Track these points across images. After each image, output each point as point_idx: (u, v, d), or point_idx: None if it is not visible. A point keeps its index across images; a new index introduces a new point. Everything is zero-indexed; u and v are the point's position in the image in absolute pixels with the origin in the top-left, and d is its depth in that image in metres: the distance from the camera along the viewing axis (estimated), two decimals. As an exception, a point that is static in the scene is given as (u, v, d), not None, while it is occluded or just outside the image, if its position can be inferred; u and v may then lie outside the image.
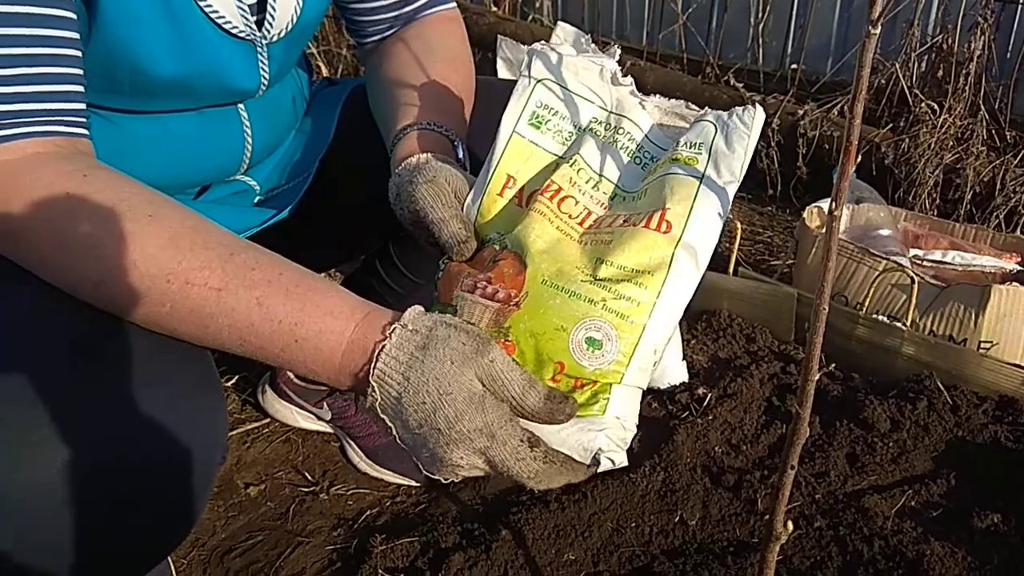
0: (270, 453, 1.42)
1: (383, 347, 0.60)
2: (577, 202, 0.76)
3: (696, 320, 1.72)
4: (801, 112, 2.34)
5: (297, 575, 1.18)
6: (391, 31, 1.04)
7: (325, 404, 1.38)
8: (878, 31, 0.57)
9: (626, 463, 0.71)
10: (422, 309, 0.64)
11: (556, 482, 0.65)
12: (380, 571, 1.16)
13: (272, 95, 0.94)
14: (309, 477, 1.36)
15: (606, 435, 0.69)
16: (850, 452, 1.37)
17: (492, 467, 0.61)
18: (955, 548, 1.19)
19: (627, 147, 0.79)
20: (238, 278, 0.61)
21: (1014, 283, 1.45)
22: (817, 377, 0.74)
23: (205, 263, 0.61)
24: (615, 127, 0.79)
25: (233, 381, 1.57)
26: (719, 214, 0.73)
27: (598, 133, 0.78)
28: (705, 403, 1.50)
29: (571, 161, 0.76)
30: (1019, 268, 1.61)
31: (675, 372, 1.58)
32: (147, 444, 0.63)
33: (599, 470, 0.69)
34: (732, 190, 0.74)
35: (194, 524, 0.71)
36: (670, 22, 2.89)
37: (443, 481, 0.64)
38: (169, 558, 1.18)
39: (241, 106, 0.90)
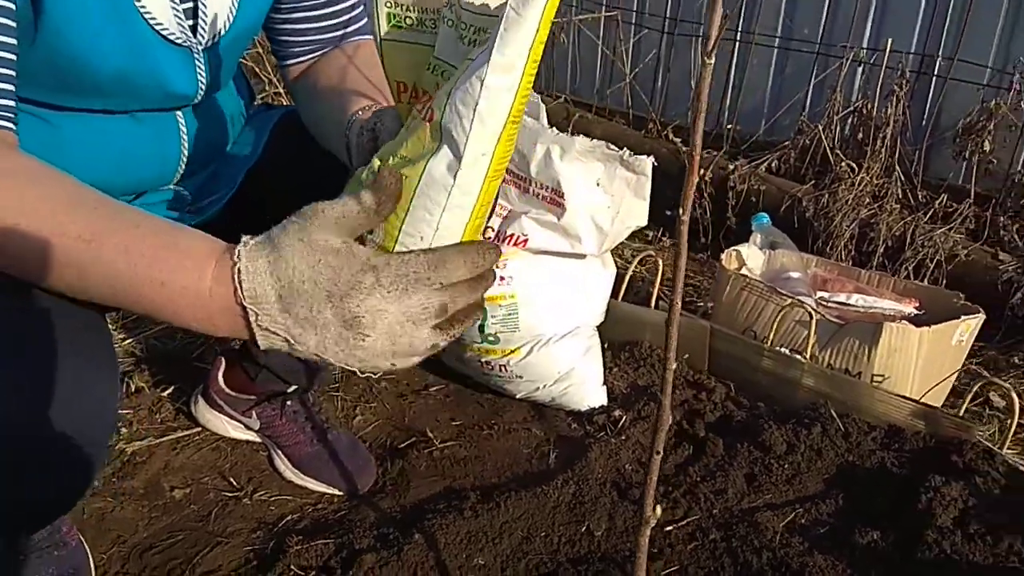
0: (198, 459, 1.46)
1: (238, 268, 0.62)
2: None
3: (620, 350, 1.82)
4: (732, 167, 2.50)
5: (213, 571, 1.22)
6: (321, 51, 1.10)
7: (254, 413, 1.44)
8: (712, 61, 0.67)
9: None
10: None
11: (456, 274, 0.65)
12: (294, 568, 1.21)
13: (210, 107, 1.02)
14: (234, 483, 1.41)
15: None
16: (748, 472, 1.46)
17: (387, 295, 0.62)
18: (837, 561, 1.27)
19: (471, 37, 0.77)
20: (106, 228, 0.65)
21: (904, 321, 1.58)
22: (675, 368, 0.84)
23: (77, 217, 0.65)
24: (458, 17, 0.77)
25: (168, 392, 1.62)
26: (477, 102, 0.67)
27: (449, 21, 0.78)
28: (620, 424, 1.59)
29: (431, 67, 0.79)
30: (916, 312, 1.75)
31: (595, 396, 1.68)
32: (34, 411, 0.66)
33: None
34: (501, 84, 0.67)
35: (85, 491, 0.76)
36: (618, 80, 3.07)
37: (369, 374, 0.66)
38: (89, 553, 1.22)
39: (179, 114, 0.99)
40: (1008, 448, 1.53)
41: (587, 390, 1.66)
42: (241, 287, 0.62)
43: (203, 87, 0.97)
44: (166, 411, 1.58)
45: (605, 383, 1.70)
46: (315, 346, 0.63)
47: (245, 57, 2.52)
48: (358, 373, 0.67)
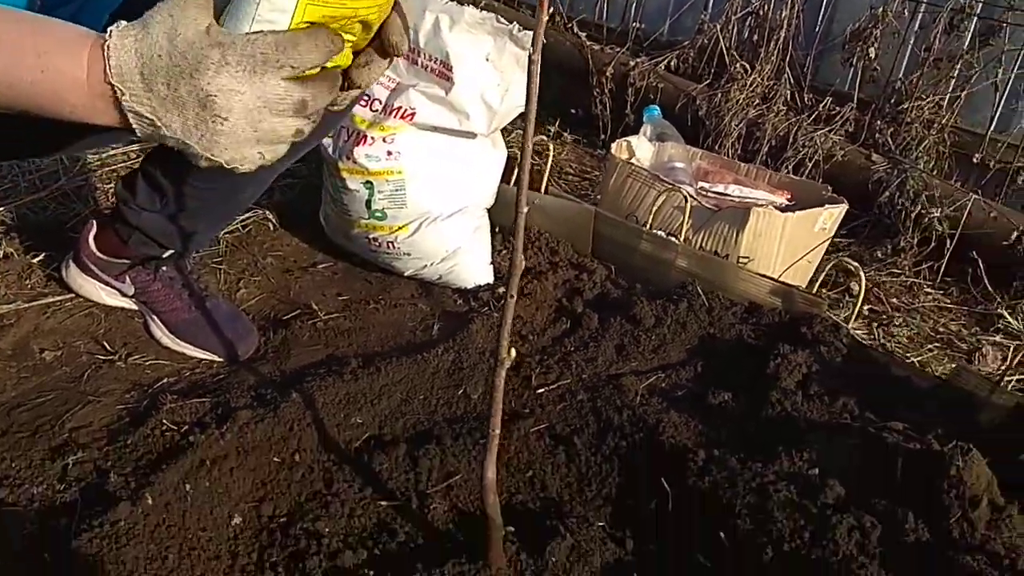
0: (70, 324, 1.44)
1: (107, 46, 0.63)
2: None
3: (509, 233, 1.86)
4: (633, 64, 2.52)
5: (83, 428, 1.23)
6: None
7: (127, 278, 1.41)
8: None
9: None
10: None
11: (306, 58, 0.66)
12: (166, 423, 1.23)
13: None
14: (108, 347, 1.40)
15: None
16: (619, 343, 1.55)
17: (236, 75, 0.63)
18: (690, 419, 1.38)
19: None
20: None
21: (770, 206, 1.67)
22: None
23: None
24: None
25: (39, 259, 1.57)
26: None
27: None
28: (503, 301, 1.64)
29: None
30: (787, 202, 1.85)
31: (482, 274, 1.72)
32: None
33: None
34: None
35: None
36: (528, -29, 3.01)
37: (237, 168, 0.66)
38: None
39: None
40: (855, 324, 1.67)
41: (474, 268, 1.70)
42: (109, 64, 0.63)
43: None
44: (36, 277, 1.53)
45: (492, 263, 1.74)
46: (180, 129, 0.64)
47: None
48: (228, 166, 0.66)
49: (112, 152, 1.95)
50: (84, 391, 1.30)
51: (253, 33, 0.65)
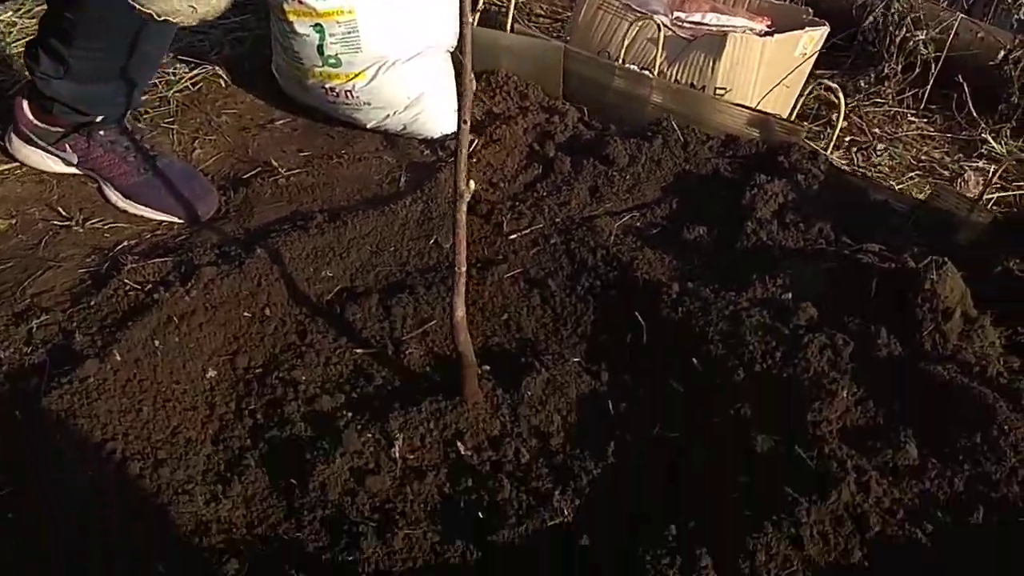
0: (22, 192, 1.38)
1: None
2: None
3: (477, 79, 1.77)
4: None
5: (45, 292, 1.20)
6: None
7: (67, 146, 1.34)
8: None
9: None
10: None
11: None
12: (129, 283, 1.20)
13: None
14: (64, 213, 1.35)
15: None
16: (592, 185, 1.51)
17: None
18: (664, 255, 1.37)
19: None
20: None
21: (748, 32, 1.59)
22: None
23: None
24: None
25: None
26: None
27: None
28: (472, 147, 1.58)
29: None
30: (767, 29, 1.75)
31: (448, 122, 1.65)
32: None
33: None
34: None
35: None
36: None
37: (170, 19, 0.62)
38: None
39: None
40: (835, 154, 1.63)
41: (440, 117, 1.63)
42: None
43: None
44: (-21, 149, 1.46)
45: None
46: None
47: None
48: (159, 18, 0.62)
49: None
50: (43, 257, 1.26)
51: None
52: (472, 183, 0.94)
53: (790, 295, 1.22)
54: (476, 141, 1.59)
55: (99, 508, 0.91)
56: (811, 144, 1.51)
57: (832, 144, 1.53)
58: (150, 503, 0.92)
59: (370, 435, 1.05)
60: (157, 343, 1.11)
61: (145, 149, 1.37)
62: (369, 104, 1.56)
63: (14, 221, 1.32)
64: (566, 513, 0.98)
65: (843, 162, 1.71)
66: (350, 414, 1.09)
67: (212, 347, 1.16)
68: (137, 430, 1.00)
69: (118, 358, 1.06)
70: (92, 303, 1.16)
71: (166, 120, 1.57)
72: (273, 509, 0.98)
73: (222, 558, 0.89)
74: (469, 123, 0.89)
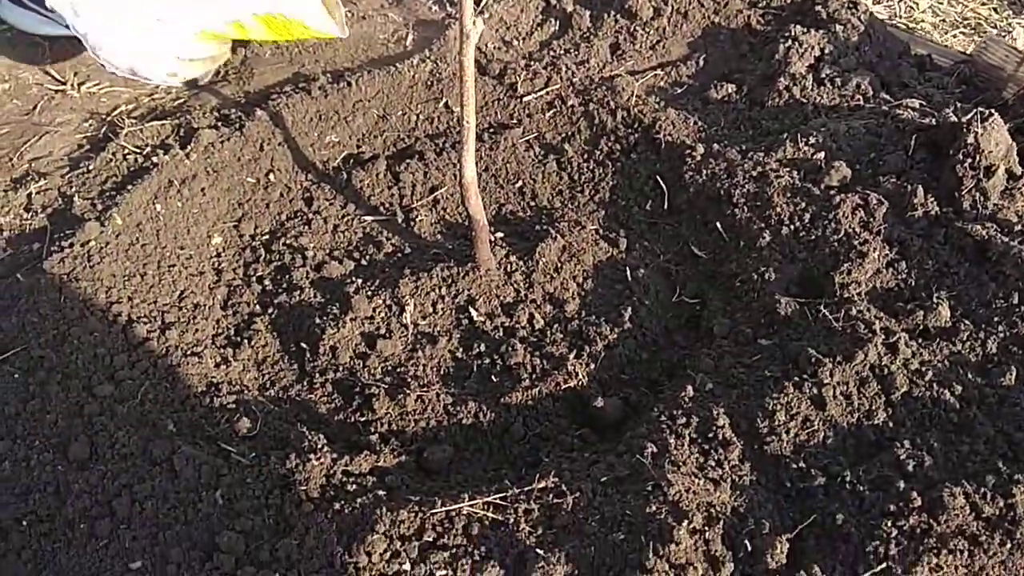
0: (14, 55, 1.32)
1: None
2: None
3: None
4: None
5: (42, 158, 1.16)
6: None
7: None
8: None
9: None
10: None
11: None
12: (128, 147, 1.16)
13: None
14: (58, 77, 1.29)
15: None
16: (613, 42, 1.40)
17: None
18: (689, 115, 1.28)
19: None
20: None
21: None
22: None
23: None
24: None
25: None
26: None
27: None
28: (483, 3, 1.47)
29: None
30: None
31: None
32: None
33: None
34: None
35: None
36: None
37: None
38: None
39: None
40: (876, 7, 1.50)
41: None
42: None
43: None
44: (-37, 9, 1.38)
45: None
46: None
47: None
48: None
49: None
50: (39, 122, 1.22)
51: None
52: (479, 21, 0.86)
53: (822, 155, 1.14)
54: (488, -4, 1.48)
55: (104, 369, 0.90)
56: (852, -7, 1.39)
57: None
58: (159, 364, 0.91)
59: (380, 301, 1.03)
60: (159, 207, 1.07)
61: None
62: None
63: (8, 86, 1.27)
64: (580, 376, 0.96)
65: (884, 15, 1.57)
66: (360, 280, 1.06)
67: (216, 213, 1.13)
68: (143, 294, 0.98)
69: (119, 222, 1.03)
70: (91, 167, 1.12)
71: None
72: (284, 372, 0.98)
73: (233, 416, 0.88)
74: (474, -47, 0.80)
